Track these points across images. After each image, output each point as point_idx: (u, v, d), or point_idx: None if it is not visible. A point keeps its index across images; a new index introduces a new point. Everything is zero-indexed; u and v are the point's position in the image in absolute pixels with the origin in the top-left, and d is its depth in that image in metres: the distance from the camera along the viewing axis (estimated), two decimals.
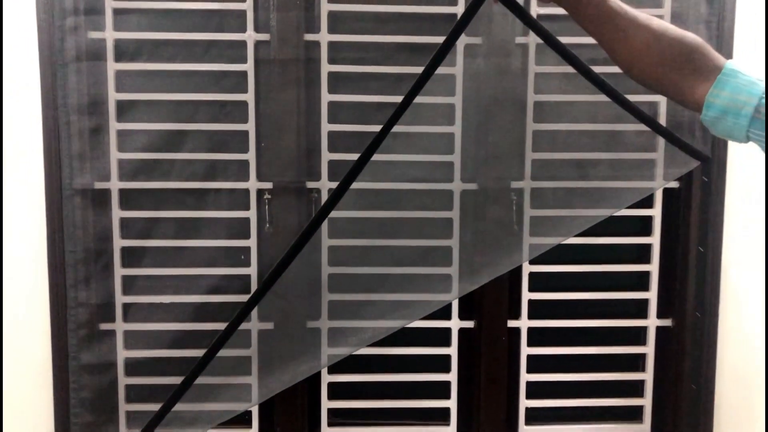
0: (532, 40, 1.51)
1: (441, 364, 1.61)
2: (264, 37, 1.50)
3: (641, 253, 1.60)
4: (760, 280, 1.58)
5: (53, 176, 1.47)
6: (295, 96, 1.52)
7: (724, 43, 1.52)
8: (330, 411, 1.61)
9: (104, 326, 1.54)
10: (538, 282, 1.60)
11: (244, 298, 1.53)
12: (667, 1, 1.52)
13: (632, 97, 1.54)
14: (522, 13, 1.15)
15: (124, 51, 1.49)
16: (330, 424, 1.61)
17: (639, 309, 1.61)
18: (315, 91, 1.52)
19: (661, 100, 1.54)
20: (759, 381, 1.60)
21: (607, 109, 1.55)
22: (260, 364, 1.57)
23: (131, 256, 1.54)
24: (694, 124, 1.53)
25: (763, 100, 0.88)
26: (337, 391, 1.61)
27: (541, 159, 1.55)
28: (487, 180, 1.56)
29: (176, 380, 1.55)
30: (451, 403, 1.61)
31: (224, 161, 1.53)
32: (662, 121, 1.54)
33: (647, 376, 1.62)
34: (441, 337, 1.61)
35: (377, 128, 1.51)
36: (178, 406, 1.56)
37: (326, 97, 1.52)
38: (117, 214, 1.51)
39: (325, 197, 1.53)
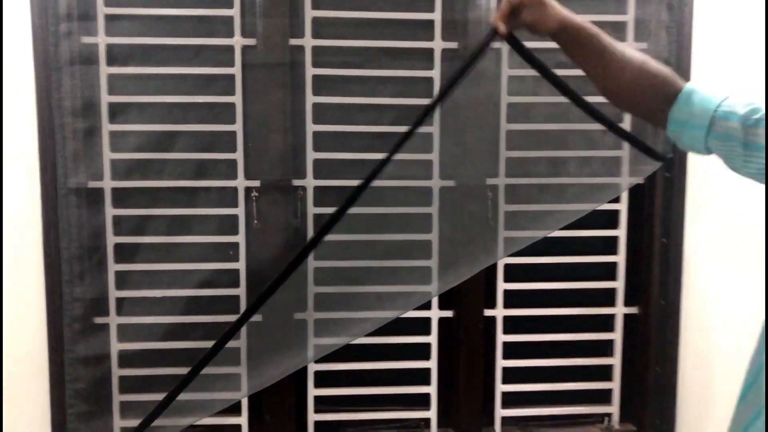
0: (505, 44, 1.61)
1: (421, 352, 1.71)
2: (251, 41, 1.58)
3: (609, 245, 1.71)
4: (720, 269, 1.70)
5: (48, 176, 1.54)
6: (281, 98, 1.61)
7: (683, 46, 1.63)
8: (316, 398, 1.69)
9: (98, 320, 1.62)
10: (513, 273, 1.70)
11: (233, 291, 1.63)
12: (631, 9, 1.63)
13: (597, 98, 1.65)
14: (525, 53, 1.24)
15: (116, 55, 1.56)
16: (317, 411, 1.69)
17: (607, 298, 1.73)
18: (300, 93, 1.61)
19: None
20: (719, 363, 1.72)
21: (576, 110, 1.66)
22: (249, 355, 1.65)
23: (124, 253, 1.62)
24: None
25: (720, 112, 0.98)
26: (323, 379, 1.69)
27: (514, 157, 1.66)
28: (464, 177, 1.66)
29: (168, 371, 1.64)
30: (432, 389, 1.71)
31: (213, 161, 1.61)
32: (626, 120, 1.65)
33: (615, 360, 1.74)
34: (421, 326, 1.70)
35: (360, 128, 1.62)
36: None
37: (311, 98, 1.60)
38: (110, 211, 1.59)
39: (310, 195, 1.62)
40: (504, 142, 1.65)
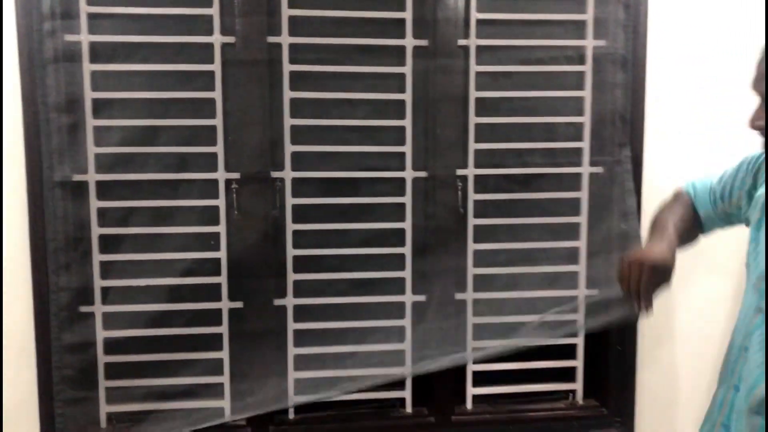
0: (473, 42, 1.72)
1: (397, 335, 1.81)
2: (230, 39, 1.67)
3: (571, 231, 1.83)
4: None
5: (34, 170, 1.61)
6: (259, 93, 1.69)
7: (639, 43, 1.75)
8: (296, 381, 1.78)
9: (84, 309, 1.69)
10: (482, 258, 1.81)
11: (214, 280, 1.72)
12: (590, 8, 1.75)
13: (560, 93, 1.78)
14: None
15: (99, 53, 1.64)
16: (297, 393, 1.79)
17: (571, 280, 1.84)
18: (278, 88, 1.69)
19: (587, 96, 1.76)
20: (676, 342, 1.85)
21: (540, 104, 1.78)
22: (231, 340, 1.74)
23: (108, 243, 1.69)
24: (615, 115, 1.77)
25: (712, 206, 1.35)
26: (303, 362, 1.78)
27: (482, 149, 1.76)
28: (435, 168, 1.77)
29: (152, 357, 1.73)
30: (406, 370, 1.81)
31: (194, 154, 1.69)
32: (587, 115, 1.77)
33: (579, 340, 1.86)
34: (396, 310, 1.80)
35: (335, 122, 1.72)
36: (153, 381, 1.73)
37: (288, 94, 1.69)
38: (95, 204, 1.66)
39: (288, 186, 1.71)
40: (473, 135, 1.76)
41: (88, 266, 1.68)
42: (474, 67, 1.74)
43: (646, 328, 1.84)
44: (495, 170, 1.78)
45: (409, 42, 1.71)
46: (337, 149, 1.73)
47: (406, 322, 1.80)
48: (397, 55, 1.72)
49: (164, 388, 1.75)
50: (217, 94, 1.67)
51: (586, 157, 1.79)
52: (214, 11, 1.64)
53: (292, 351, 1.77)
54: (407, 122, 1.74)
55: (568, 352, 1.87)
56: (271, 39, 1.68)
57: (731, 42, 1.79)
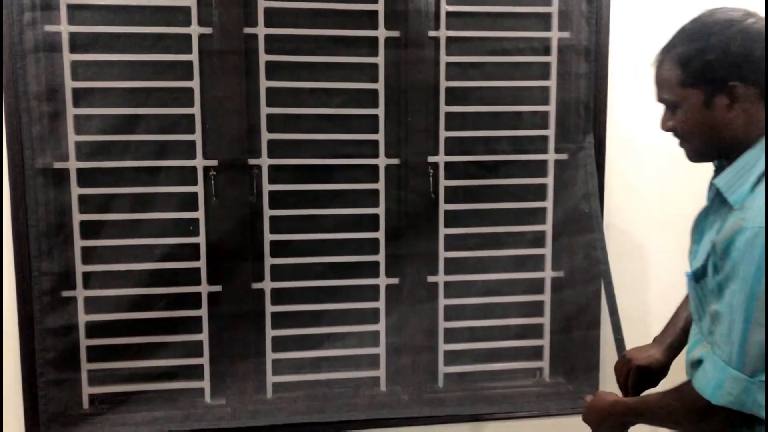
0: (443, 33, 1.81)
1: (371, 317, 1.89)
2: (207, 30, 1.73)
3: (537, 215, 1.93)
4: (635, 236, 1.93)
5: (16, 157, 1.66)
6: (236, 83, 1.76)
7: (601, 35, 1.85)
8: (274, 362, 1.86)
9: (66, 293, 1.75)
10: (453, 242, 1.90)
11: (193, 264, 1.78)
12: (555, 1, 1.84)
13: (526, 83, 1.87)
14: None
15: (78, 43, 1.69)
16: (275, 373, 1.87)
17: (537, 263, 1.94)
18: (254, 78, 1.76)
19: (552, 86, 1.86)
20: (636, 321, 1.95)
21: (507, 93, 1.87)
22: (210, 323, 1.82)
23: (89, 229, 1.76)
24: (579, 104, 1.87)
25: None
26: (280, 344, 1.86)
27: (452, 137, 1.85)
28: (407, 155, 1.85)
29: (132, 340, 1.79)
30: (381, 350, 1.91)
31: (173, 142, 1.76)
32: (552, 104, 1.87)
33: (545, 320, 1.96)
34: (370, 293, 1.89)
35: (310, 111, 1.79)
36: (134, 363, 1.80)
37: (264, 83, 1.77)
38: (76, 191, 1.72)
39: (265, 173, 1.79)
40: (443, 123, 1.84)
41: (70, 252, 1.74)
42: (444, 58, 1.83)
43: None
44: (465, 157, 1.87)
45: (381, 33, 1.79)
46: (313, 137, 1.81)
47: (380, 304, 1.89)
48: (369, 46, 1.80)
49: (145, 370, 1.82)
50: (195, 84, 1.74)
51: (551, 144, 1.89)
52: (191, 3, 1.71)
53: (270, 333, 1.85)
54: (380, 111, 1.82)
55: (535, 331, 1.97)
56: (248, 30, 1.75)
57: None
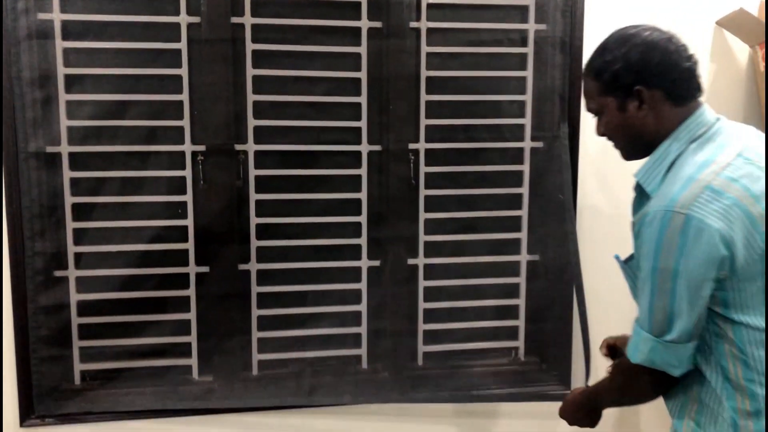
0: (424, 24, 1.88)
1: (354, 298, 1.98)
2: (195, 19, 1.80)
3: (514, 201, 2.02)
4: (607, 221, 2.01)
5: (9, 141, 1.73)
6: (223, 71, 1.83)
7: (576, 27, 1.93)
8: (259, 340, 1.95)
9: (58, 273, 1.83)
10: (432, 226, 1.99)
11: (182, 246, 1.86)
12: None
13: (504, 73, 1.95)
14: None
15: (71, 30, 1.76)
16: (260, 352, 1.95)
17: (513, 246, 2.03)
18: (241, 66, 1.84)
19: (528, 76, 1.95)
20: (608, 303, 2.04)
21: (485, 83, 1.95)
22: (198, 302, 1.90)
23: (81, 211, 1.83)
24: (554, 94, 1.95)
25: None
26: (265, 323, 1.95)
27: (433, 125, 1.93)
28: (389, 142, 1.94)
29: (122, 319, 1.87)
30: (362, 329, 1.99)
31: (162, 127, 1.84)
32: (529, 94, 1.95)
33: (520, 301, 2.06)
34: (353, 275, 1.98)
35: (295, 98, 1.86)
36: (124, 341, 1.88)
37: (251, 71, 1.84)
38: (67, 174, 1.79)
39: (251, 158, 1.87)
40: (423, 111, 1.92)
41: (62, 233, 1.82)
42: (425, 48, 1.91)
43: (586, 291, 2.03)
44: (444, 144, 1.96)
45: (364, 24, 1.87)
46: (297, 124, 1.89)
47: (362, 286, 1.98)
48: (353, 36, 1.88)
49: (135, 348, 1.90)
50: (183, 71, 1.81)
51: (527, 133, 1.98)
52: None
53: (256, 312, 1.94)
54: (363, 99, 1.90)
55: (511, 312, 2.07)
56: (235, 19, 1.82)
57: (661, 24, 1.97)
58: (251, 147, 1.87)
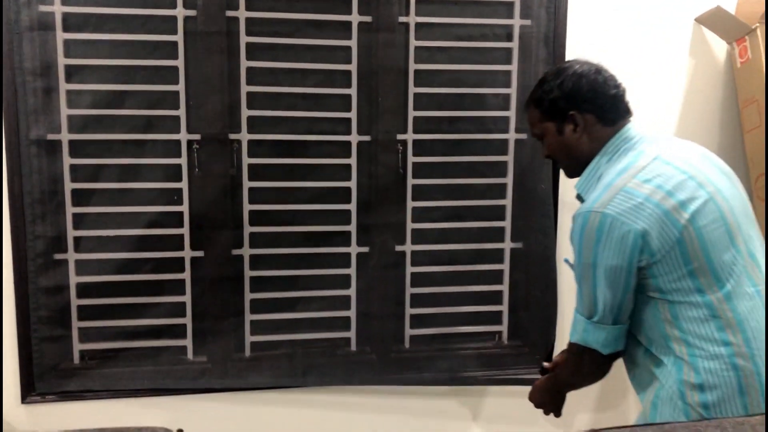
0: (412, 19, 1.96)
1: (343, 282, 2.06)
2: (191, 13, 1.87)
3: (498, 191, 2.09)
4: None
5: (12, 129, 1.80)
6: (218, 62, 1.91)
7: (559, 23, 2.00)
8: (252, 322, 2.03)
9: (58, 256, 1.91)
10: (419, 214, 2.07)
11: (177, 231, 1.94)
12: None
13: (489, 67, 2.02)
14: None
15: (71, 22, 1.83)
16: (253, 333, 2.03)
17: (497, 234, 2.11)
18: (235, 58, 1.91)
19: (513, 70, 2.02)
20: None
21: (472, 76, 2.02)
22: (193, 286, 1.97)
23: (80, 197, 1.90)
24: None
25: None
26: (258, 306, 2.03)
27: (420, 116, 2.01)
28: (378, 133, 2.01)
29: (119, 301, 1.94)
30: (351, 313, 2.08)
31: (159, 117, 1.91)
32: (513, 87, 2.03)
33: (504, 287, 2.14)
34: (342, 260, 2.06)
35: (288, 89, 1.93)
36: (122, 322, 1.95)
37: (245, 63, 1.91)
38: (67, 161, 1.87)
39: (244, 147, 1.94)
40: (411, 103, 2.00)
41: (62, 217, 1.89)
42: (413, 42, 1.98)
43: (563, 276, 2.11)
44: (431, 135, 2.04)
45: (354, 18, 1.94)
46: (289, 114, 1.96)
47: (351, 271, 2.06)
48: (343, 29, 1.95)
49: (132, 329, 1.98)
50: (179, 63, 1.88)
51: (512, 125, 2.05)
52: None
53: (249, 296, 2.02)
54: (353, 91, 1.97)
55: (495, 297, 2.15)
56: (230, 13, 1.89)
57: (642, 21, 2.05)
58: (245, 136, 1.94)
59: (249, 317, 2.02)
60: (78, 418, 1.94)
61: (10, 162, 1.81)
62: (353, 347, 2.10)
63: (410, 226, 2.06)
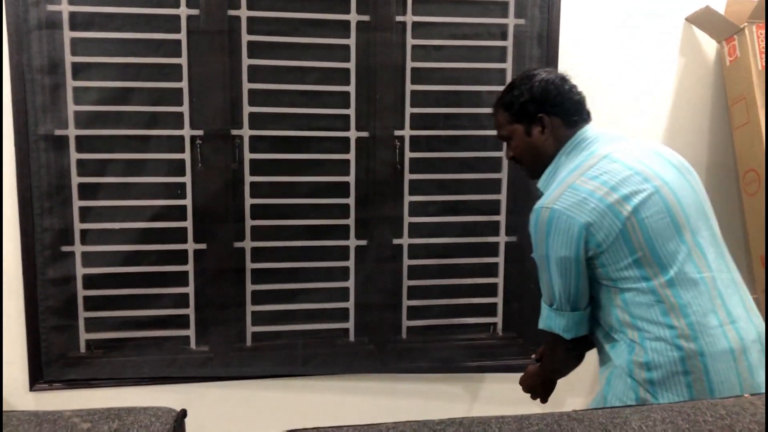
0: (409, 18, 2.01)
1: (342, 275, 2.12)
2: (194, 12, 1.93)
3: (493, 186, 2.15)
4: None
5: (21, 125, 1.86)
6: (220, 60, 1.96)
7: (553, 22, 2.06)
8: (253, 313, 2.08)
9: (65, 248, 1.97)
10: (416, 209, 2.12)
11: (181, 224, 1.99)
12: None
13: (484, 65, 2.07)
14: None
15: (78, 21, 1.89)
16: (254, 324, 2.09)
17: (492, 228, 2.17)
18: (237, 56, 1.97)
19: (508, 68, 2.07)
20: None
21: (467, 74, 2.08)
22: (196, 277, 2.03)
23: (87, 191, 1.96)
24: None
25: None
26: (259, 298, 2.09)
27: (417, 113, 2.07)
28: (375, 129, 2.06)
29: (125, 292, 2.00)
30: (350, 305, 2.13)
31: (163, 113, 1.97)
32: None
33: (499, 280, 2.20)
34: (341, 253, 2.11)
35: (288, 87, 1.98)
36: (127, 312, 2.01)
37: (246, 61, 1.97)
38: (74, 155, 1.93)
39: (246, 142, 2.00)
40: (408, 100, 2.05)
41: (69, 211, 1.95)
42: (410, 41, 2.03)
43: None
44: (428, 131, 2.09)
45: (353, 17, 2.00)
46: (290, 111, 2.01)
47: (350, 263, 2.11)
48: (342, 28, 2.01)
49: (136, 319, 2.04)
50: (183, 60, 1.94)
51: None
52: None
53: (250, 287, 2.07)
54: (351, 88, 2.03)
55: (490, 290, 2.20)
56: (232, 12, 1.94)
57: (633, 20, 2.11)
58: (246, 132, 1.99)
59: (250, 308, 2.08)
60: (84, 405, 1.90)
61: (19, 157, 1.87)
62: (352, 338, 2.16)
63: (407, 219, 2.12)
